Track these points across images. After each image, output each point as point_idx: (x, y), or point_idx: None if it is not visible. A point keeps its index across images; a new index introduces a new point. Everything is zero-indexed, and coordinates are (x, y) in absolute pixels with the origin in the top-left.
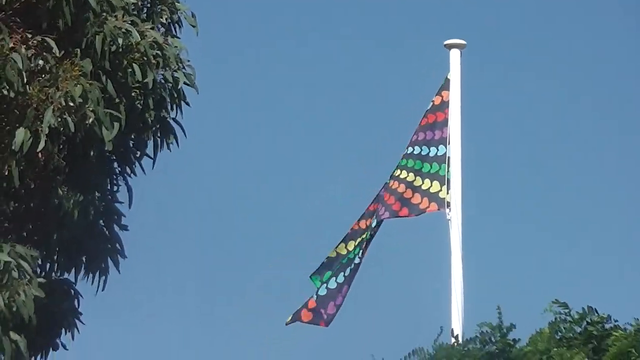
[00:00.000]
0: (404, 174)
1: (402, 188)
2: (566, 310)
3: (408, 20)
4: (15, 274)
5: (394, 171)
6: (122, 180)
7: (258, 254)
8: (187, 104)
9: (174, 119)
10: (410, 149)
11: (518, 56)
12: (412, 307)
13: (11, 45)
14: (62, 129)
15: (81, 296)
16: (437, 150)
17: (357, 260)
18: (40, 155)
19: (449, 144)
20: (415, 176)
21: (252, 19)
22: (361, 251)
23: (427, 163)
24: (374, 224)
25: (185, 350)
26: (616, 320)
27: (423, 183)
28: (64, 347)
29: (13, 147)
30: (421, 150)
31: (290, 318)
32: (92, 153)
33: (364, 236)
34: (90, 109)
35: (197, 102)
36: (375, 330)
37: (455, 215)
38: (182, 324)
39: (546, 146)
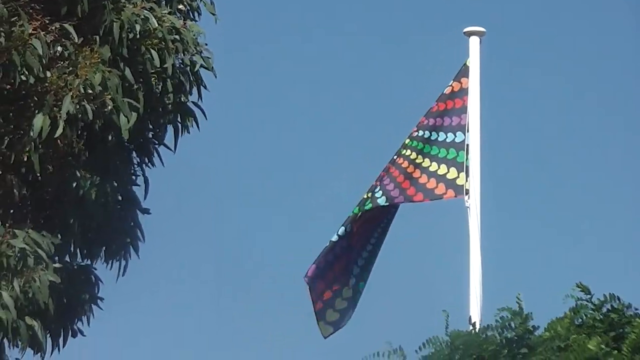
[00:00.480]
0: (409, 153)
1: (410, 168)
2: (588, 297)
3: (426, 8)
4: (30, 260)
5: (400, 150)
6: (139, 171)
7: (263, 249)
8: (205, 87)
9: (193, 102)
10: (421, 132)
11: (537, 45)
12: (429, 293)
13: (31, 31)
14: (80, 115)
15: (101, 282)
16: (455, 136)
17: (334, 237)
18: (58, 141)
19: (468, 131)
20: (424, 158)
21: (259, 14)
22: (343, 227)
23: (444, 148)
24: (382, 202)
25: (199, 336)
26: (637, 309)
27: (439, 168)
28: (82, 333)
29: (32, 134)
30: (437, 135)
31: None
32: (110, 139)
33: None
34: (109, 96)
35: (210, 91)
36: (392, 317)
37: (474, 203)
38: (198, 309)
39: (565, 135)
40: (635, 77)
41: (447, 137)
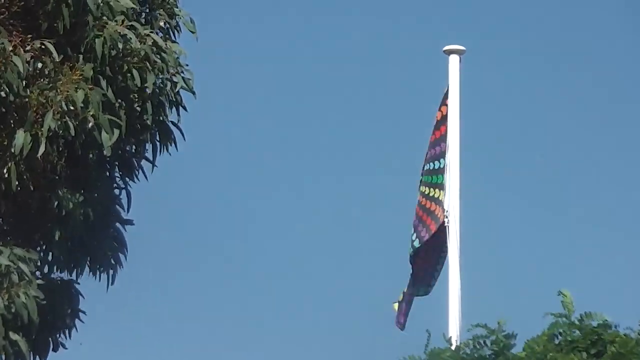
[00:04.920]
0: (425, 190)
1: (427, 203)
2: (565, 315)
3: (406, 26)
4: (15, 277)
5: (420, 187)
6: (122, 184)
7: (245, 260)
8: (185, 108)
9: (172, 123)
10: (426, 165)
11: (518, 61)
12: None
13: (10, 48)
14: (61, 132)
15: (82, 296)
16: (445, 161)
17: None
18: (40, 157)
19: (447, 149)
20: (430, 188)
21: (249, 22)
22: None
23: (441, 175)
24: (417, 245)
25: (185, 345)
26: (617, 326)
27: (441, 193)
28: (64, 346)
29: (13, 150)
30: (433, 165)
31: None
32: (91, 156)
33: None
34: (91, 113)
35: (195, 107)
36: (369, 335)
37: (453, 221)
38: (184, 324)
39: (547, 149)
40: (622, 89)
41: (441, 163)
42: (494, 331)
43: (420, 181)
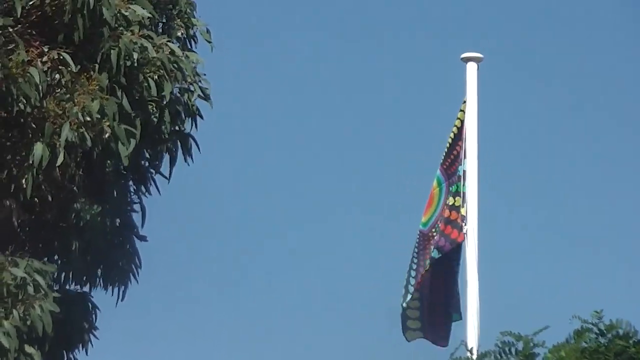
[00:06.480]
0: (450, 201)
1: (451, 214)
2: (596, 321)
3: (424, 33)
4: (30, 289)
5: (447, 199)
6: (137, 199)
7: (260, 275)
8: (201, 117)
9: (188, 134)
10: (455, 176)
11: (535, 69)
12: None
13: (28, 58)
14: (79, 143)
15: (98, 309)
16: (463, 167)
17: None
18: (58, 169)
19: (464, 157)
20: (455, 197)
21: (253, 39)
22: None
23: (460, 183)
24: (435, 255)
25: None
26: None
27: (458, 200)
28: None
29: (31, 162)
30: (457, 172)
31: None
32: (108, 167)
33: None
34: (107, 124)
35: (211, 116)
36: (389, 343)
37: (471, 228)
38: (198, 336)
39: (564, 158)
40: (636, 97)
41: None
42: (522, 337)
43: (450, 191)
